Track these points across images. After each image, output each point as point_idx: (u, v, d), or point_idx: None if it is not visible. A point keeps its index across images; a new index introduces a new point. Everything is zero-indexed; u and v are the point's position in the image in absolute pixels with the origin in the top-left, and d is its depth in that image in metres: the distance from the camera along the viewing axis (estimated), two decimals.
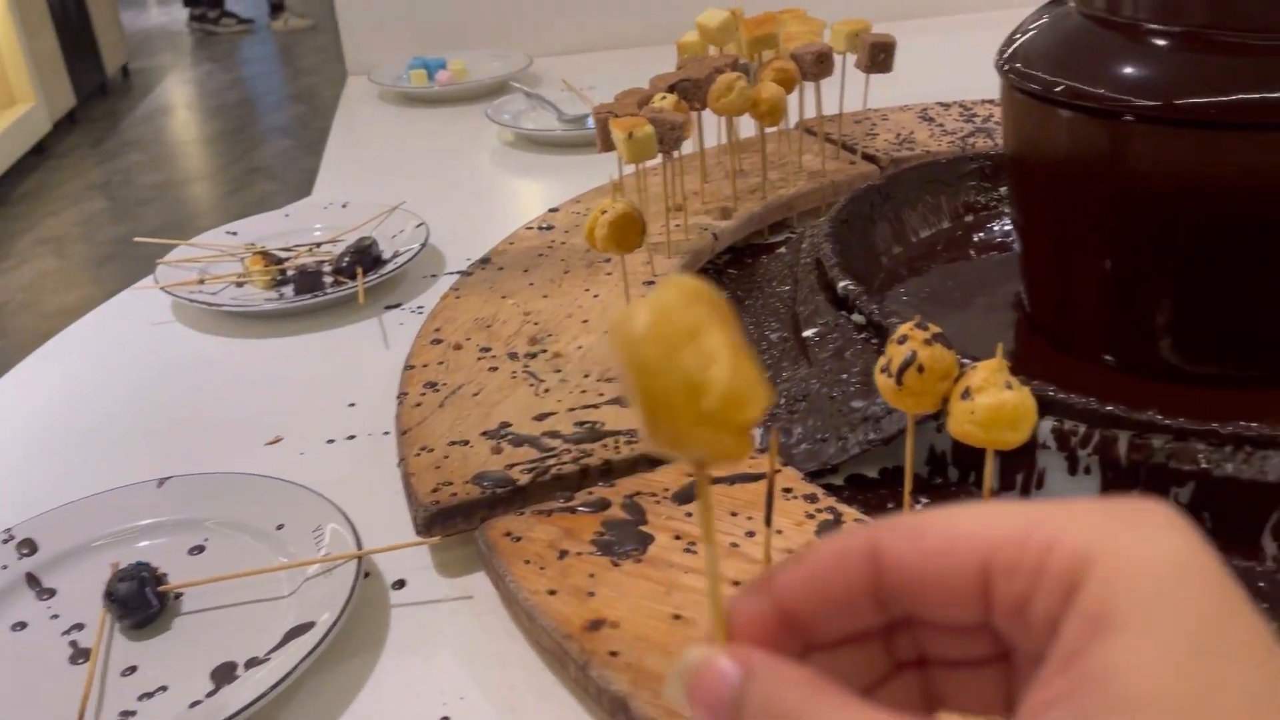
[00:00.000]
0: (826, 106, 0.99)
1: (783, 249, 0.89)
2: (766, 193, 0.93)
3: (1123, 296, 0.64)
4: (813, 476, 0.57)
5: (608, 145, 0.78)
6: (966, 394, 0.41)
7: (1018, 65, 0.65)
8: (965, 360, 0.44)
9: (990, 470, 0.44)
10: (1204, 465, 0.51)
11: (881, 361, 0.44)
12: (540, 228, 0.91)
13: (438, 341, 0.73)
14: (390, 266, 0.89)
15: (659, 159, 0.80)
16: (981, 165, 0.88)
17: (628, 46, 1.71)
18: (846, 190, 0.96)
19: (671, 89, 0.83)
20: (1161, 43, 0.58)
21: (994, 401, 0.41)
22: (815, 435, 0.60)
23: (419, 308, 0.86)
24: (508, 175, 1.22)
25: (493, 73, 1.50)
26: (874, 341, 0.64)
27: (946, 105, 1.15)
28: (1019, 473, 0.56)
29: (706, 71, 0.87)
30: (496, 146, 1.27)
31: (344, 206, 1.01)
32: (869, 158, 1.01)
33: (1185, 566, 0.21)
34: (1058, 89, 0.61)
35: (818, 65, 0.90)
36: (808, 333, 0.68)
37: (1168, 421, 0.51)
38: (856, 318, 0.66)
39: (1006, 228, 0.85)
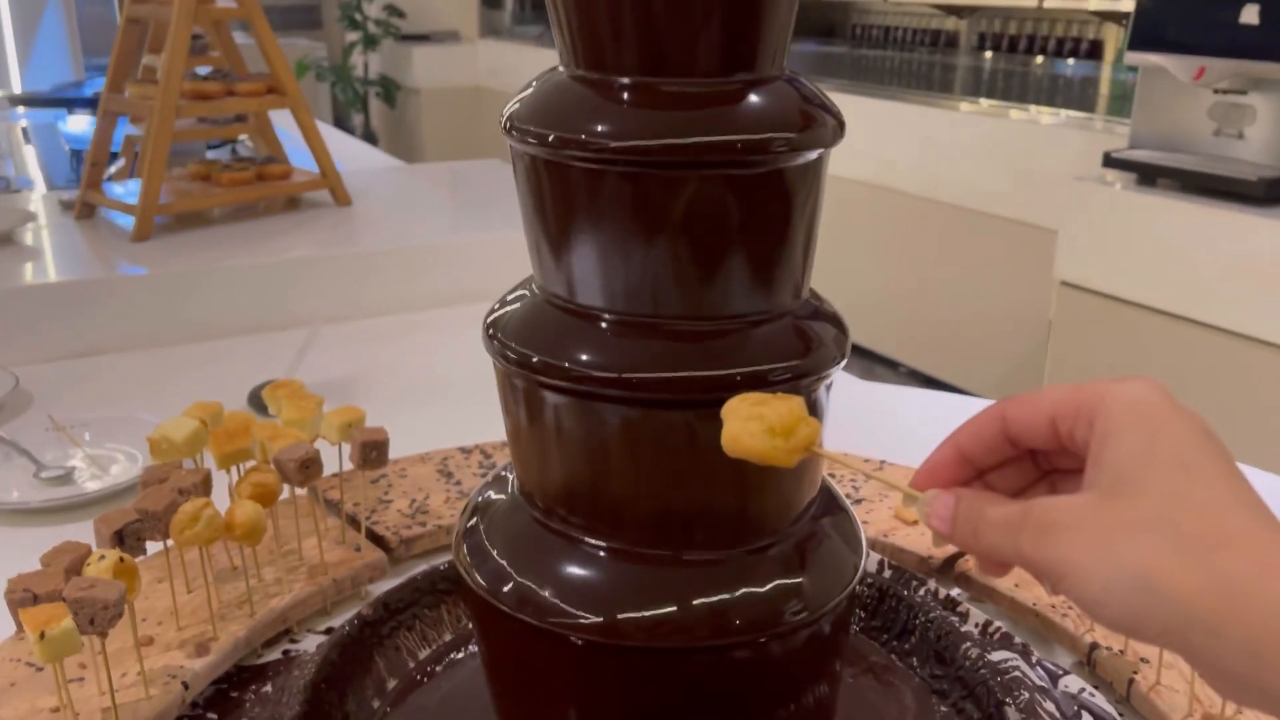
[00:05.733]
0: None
1: (269, 686, 0.80)
2: (255, 606, 0.84)
3: None
4: None
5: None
6: None
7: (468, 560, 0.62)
8: None
9: None
10: None
11: None
12: None
13: None
14: None
15: None
16: None
17: (164, 346, 1.55)
18: (351, 587, 0.90)
19: (118, 536, 0.72)
20: (601, 555, 0.58)
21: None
22: None
23: None
24: None
25: None
26: None
27: (467, 452, 1.12)
28: None
29: (167, 500, 0.77)
30: None
31: None
32: (375, 538, 0.95)
33: (1151, 399, 0.42)
34: (510, 591, 0.58)
35: (303, 472, 0.84)
36: None
37: None
38: None
39: None
